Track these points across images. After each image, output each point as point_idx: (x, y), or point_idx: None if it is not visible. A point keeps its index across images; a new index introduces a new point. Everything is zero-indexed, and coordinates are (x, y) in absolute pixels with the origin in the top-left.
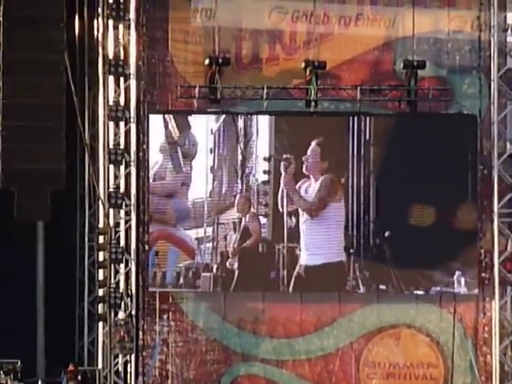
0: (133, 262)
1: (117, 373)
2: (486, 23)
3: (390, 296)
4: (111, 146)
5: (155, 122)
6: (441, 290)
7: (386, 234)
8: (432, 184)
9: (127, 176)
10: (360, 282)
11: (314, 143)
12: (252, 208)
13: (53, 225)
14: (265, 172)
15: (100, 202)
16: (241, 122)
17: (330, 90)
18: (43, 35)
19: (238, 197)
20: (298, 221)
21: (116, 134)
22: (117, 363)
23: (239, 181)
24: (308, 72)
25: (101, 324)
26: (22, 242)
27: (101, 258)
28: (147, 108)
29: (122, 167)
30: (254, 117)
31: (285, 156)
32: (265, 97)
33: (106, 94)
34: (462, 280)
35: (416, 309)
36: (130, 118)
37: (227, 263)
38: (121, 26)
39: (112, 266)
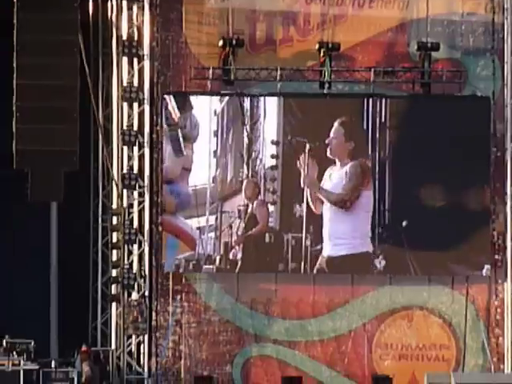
0: (146, 243)
1: (130, 353)
2: (499, 5)
3: (403, 278)
4: (125, 128)
5: (198, 100)
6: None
7: (404, 223)
8: (445, 166)
9: (141, 157)
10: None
11: (336, 123)
12: (259, 195)
13: (66, 206)
14: (273, 156)
15: (114, 183)
16: (247, 103)
17: (344, 71)
18: (57, 16)
19: (245, 182)
20: (319, 210)
21: (130, 116)
22: (130, 344)
23: (245, 166)
24: (322, 54)
25: (114, 305)
26: (35, 223)
27: (114, 239)
28: (161, 89)
29: (136, 148)
30: (262, 98)
31: (298, 139)
32: (278, 78)
33: (119, 76)
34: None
35: (428, 290)
36: (143, 99)
37: (231, 254)
38: (135, 7)
39: (125, 246)
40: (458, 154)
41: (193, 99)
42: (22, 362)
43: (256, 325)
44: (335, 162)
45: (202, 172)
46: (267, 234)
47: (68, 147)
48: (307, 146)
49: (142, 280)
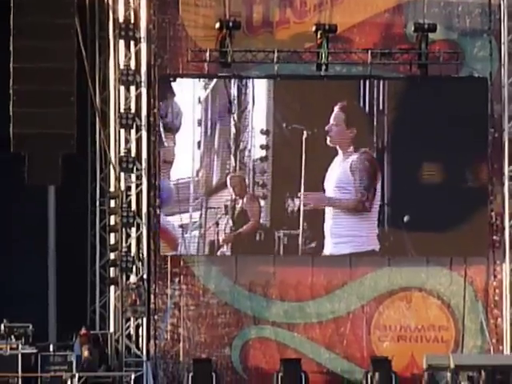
0: (144, 226)
1: (128, 336)
2: None
3: (401, 259)
4: (122, 111)
5: (181, 85)
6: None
7: (405, 218)
8: (443, 147)
9: (138, 140)
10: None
11: (337, 109)
12: (248, 189)
13: (64, 189)
14: (262, 147)
15: (111, 166)
16: (234, 90)
17: (341, 53)
18: None
19: (229, 177)
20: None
21: (127, 99)
22: (128, 327)
23: (232, 157)
24: (319, 35)
25: (112, 288)
26: (33, 207)
27: (112, 222)
28: (158, 72)
29: (133, 131)
30: (250, 84)
31: (295, 126)
32: (275, 60)
33: (116, 58)
34: None
35: (427, 272)
36: (140, 82)
37: (218, 253)
38: None
39: (123, 229)
40: (455, 135)
41: (174, 85)
42: (20, 346)
43: (255, 307)
44: (337, 151)
45: (185, 165)
46: (257, 232)
47: (65, 130)
48: (304, 133)
49: (140, 263)
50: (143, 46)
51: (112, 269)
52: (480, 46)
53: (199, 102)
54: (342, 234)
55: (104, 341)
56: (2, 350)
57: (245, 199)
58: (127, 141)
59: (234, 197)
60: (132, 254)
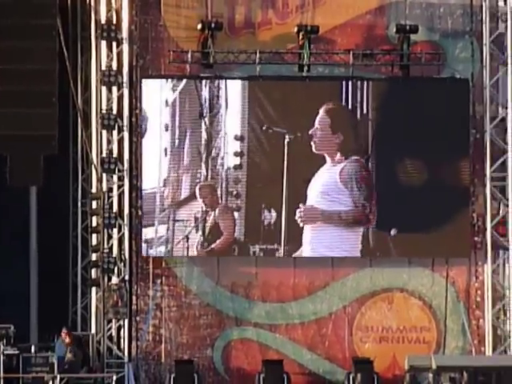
0: (126, 227)
1: (110, 337)
2: None
3: (383, 260)
4: (104, 111)
5: (148, 86)
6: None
7: (392, 232)
8: (424, 148)
9: (120, 141)
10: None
11: (322, 112)
12: (220, 200)
13: (45, 190)
14: (236, 154)
15: (93, 167)
16: (205, 91)
17: (323, 54)
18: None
19: (198, 186)
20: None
21: (109, 99)
22: (110, 328)
23: (203, 165)
24: (301, 37)
25: (94, 289)
26: (14, 208)
27: (94, 223)
28: (140, 73)
29: (115, 132)
30: (223, 86)
31: (276, 130)
32: (257, 61)
33: (98, 59)
34: None
35: (408, 272)
36: (122, 82)
37: None
38: None
39: (105, 230)
40: (437, 136)
41: (143, 87)
42: (1, 347)
43: (236, 308)
44: (323, 158)
45: (150, 174)
46: (232, 247)
47: (47, 131)
48: (286, 137)
49: (122, 264)
50: (125, 46)
51: (94, 270)
52: (462, 47)
53: (167, 105)
54: (324, 245)
55: (85, 342)
56: None
57: (217, 211)
58: (109, 142)
59: (204, 208)
60: (114, 255)
